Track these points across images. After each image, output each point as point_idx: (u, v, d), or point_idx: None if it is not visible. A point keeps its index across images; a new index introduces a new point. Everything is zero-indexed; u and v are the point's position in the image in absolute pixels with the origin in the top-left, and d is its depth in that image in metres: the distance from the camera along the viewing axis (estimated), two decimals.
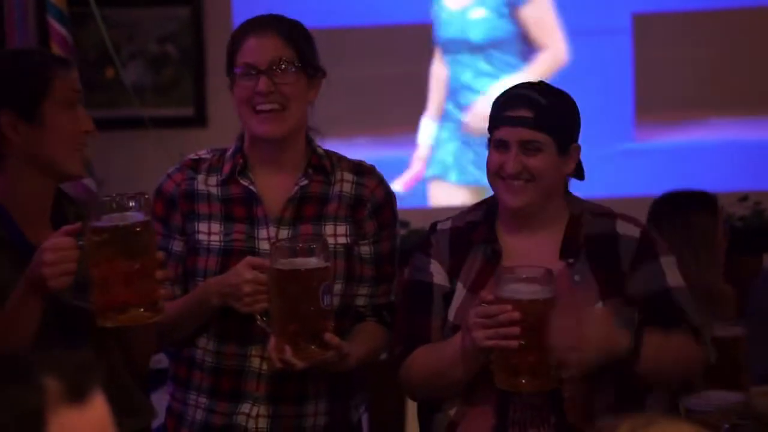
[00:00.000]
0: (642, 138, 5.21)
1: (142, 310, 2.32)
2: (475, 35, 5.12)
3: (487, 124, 2.63)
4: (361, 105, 5.17)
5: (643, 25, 5.17)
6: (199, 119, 5.23)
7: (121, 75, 5.03)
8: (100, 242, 2.29)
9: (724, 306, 3.70)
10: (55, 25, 4.56)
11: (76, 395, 1.22)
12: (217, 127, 5.08)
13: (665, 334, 2.58)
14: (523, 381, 2.43)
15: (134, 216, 2.31)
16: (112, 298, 2.30)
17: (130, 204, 2.31)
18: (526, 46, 5.16)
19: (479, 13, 5.11)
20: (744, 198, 5.01)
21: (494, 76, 5.12)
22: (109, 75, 5.21)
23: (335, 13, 5.20)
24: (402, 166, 5.21)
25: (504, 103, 2.60)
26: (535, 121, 2.55)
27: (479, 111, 5.01)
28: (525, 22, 5.13)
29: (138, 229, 2.31)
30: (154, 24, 5.23)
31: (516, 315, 2.40)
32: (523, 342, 2.40)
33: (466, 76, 5.17)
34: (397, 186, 5.05)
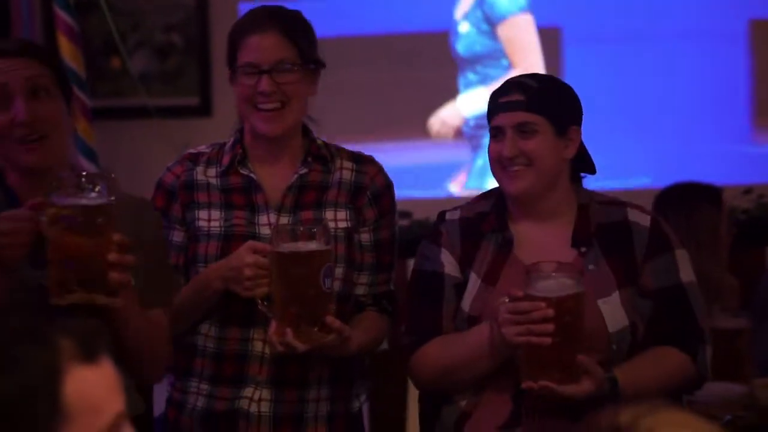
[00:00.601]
0: (760, 141, 5.19)
1: (90, 291, 2.26)
2: (461, 48, 5.16)
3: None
4: (382, 109, 5.17)
5: (761, 31, 5.17)
6: (205, 108, 5.23)
7: (126, 64, 5.03)
8: (56, 219, 2.25)
9: (728, 298, 3.70)
10: (62, 15, 4.57)
11: (88, 354, 1.30)
12: (221, 117, 5.06)
13: (656, 358, 2.58)
14: (552, 377, 2.42)
15: (96, 196, 2.26)
16: (63, 276, 2.25)
17: (95, 184, 2.26)
18: (508, 62, 5.18)
19: (464, 28, 5.15)
20: (748, 191, 5.00)
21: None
22: (115, 64, 5.21)
23: (353, 20, 5.18)
24: (422, 171, 5.18)
25: (497, 93, 2.63)
26: (527, 103, 2.56)
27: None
28: (501, 39, 5.14)
29: (95, 209, 2.26)
30: (159, 13, 5.23)
31: (550, 312, 2.41)
32: (557, 339, 2.40)
33: (461, 85, 5.21)
34: (455, 188, 5.10)
